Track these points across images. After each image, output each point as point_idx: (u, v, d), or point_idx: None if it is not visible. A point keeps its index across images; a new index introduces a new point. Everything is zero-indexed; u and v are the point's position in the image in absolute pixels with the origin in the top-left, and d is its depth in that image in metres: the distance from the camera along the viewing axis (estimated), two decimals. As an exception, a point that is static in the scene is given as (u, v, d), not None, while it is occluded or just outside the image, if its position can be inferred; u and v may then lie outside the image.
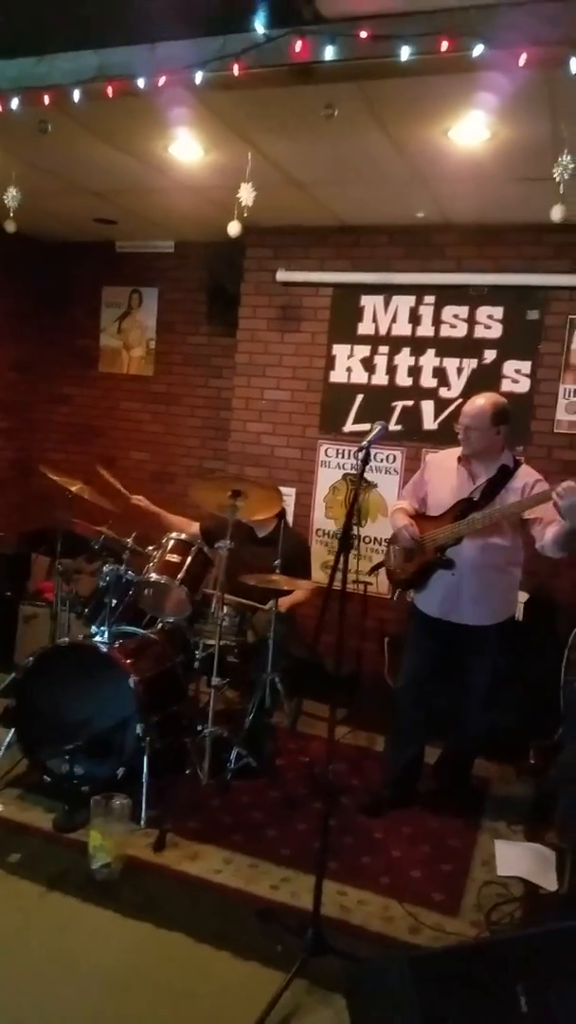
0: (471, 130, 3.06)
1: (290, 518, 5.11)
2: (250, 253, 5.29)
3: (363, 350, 5.08)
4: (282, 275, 5.19)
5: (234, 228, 3.53)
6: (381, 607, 4.81)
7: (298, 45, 2.19)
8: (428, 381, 4.92)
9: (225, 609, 3.80)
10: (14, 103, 2.66)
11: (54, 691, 3.44)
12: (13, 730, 3.50)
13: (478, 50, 2.06)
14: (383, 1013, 1.99)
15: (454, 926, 2.80)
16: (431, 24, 2.06)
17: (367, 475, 5.06)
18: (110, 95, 2.51)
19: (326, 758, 2.59)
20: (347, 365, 5.13)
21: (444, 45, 2.06)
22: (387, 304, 4.99)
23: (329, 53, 2.17)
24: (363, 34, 2.11)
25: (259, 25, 2.21)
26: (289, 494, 5.21)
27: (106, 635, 3.57)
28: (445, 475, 3.54)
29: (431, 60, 2.11)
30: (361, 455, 2.62)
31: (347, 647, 4.72)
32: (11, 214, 4.02)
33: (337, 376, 5.16)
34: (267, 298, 5.31)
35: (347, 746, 4.25)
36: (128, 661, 3.44)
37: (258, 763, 3.73)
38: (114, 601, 3.66)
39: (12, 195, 3.95)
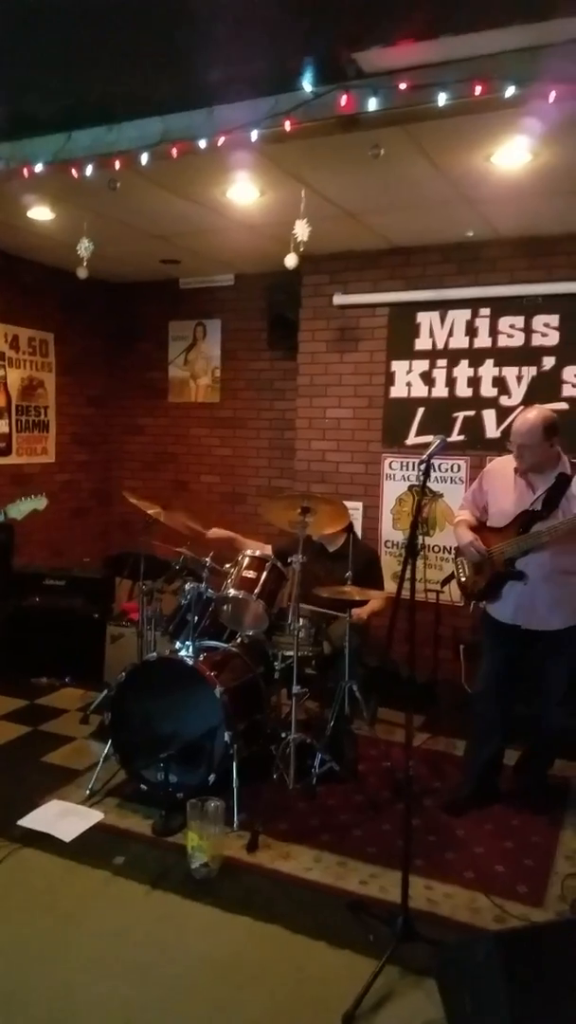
0: (513, 154, 3.21)
1: (359, 531, 5.25)
2: (307, 280, 5.52)
3: (422, 365, 5.22)
4: (339, 299, 5.39)
5: (291, 260, 3.73)
6: (454, 615, 4.91)
7: (343, 99, 2.39)
8: (488, 391, 5.03)
9: (301, 621, 3.96)
10: (88, 169, 2.95)
11: (145, 705, 3.67)
12: (110, 743, 3.75)
13: (510, 91, 2.22)
14: (472, 990, 2.11)
15: (539, 916, 2.89)
16: (465, 70, 2.22)
17: (433, 485, 5.20)
18: (175, 156, 2.76)
19: (405, 756, 2.72)
20: (407, 380, 5.28)
21: (478, 89, 2.22)
22: (443, 319, 5.13)
23: (372, 104, 2.36)
24: (403, 85, 2.29)
25: (307, 84, 2.42)
26: (356, 508, 5.36)
27: (191, 649, 3.78)
28: (504, 485, 3.61)
29: (467, 103, 2.28)
30: (423, 468, 2.75)
31: (423, 655, 4.86)
32: (84, 262, 4.35)
33: (397, 391, 5.32)
34: (325, 321, 5.52)
35: (427, 751, 4.36)
36: (213, 673, 3.64)
37: (341, 768, 3.88)
38: (196, 617, 3.87)
39: (85, 245, 4.28)
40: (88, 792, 3.69)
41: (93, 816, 3.51)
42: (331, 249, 5.23)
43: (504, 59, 2.14)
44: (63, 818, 3.47)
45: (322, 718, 4.25)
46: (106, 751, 3.78)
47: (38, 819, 3.46)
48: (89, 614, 5.40)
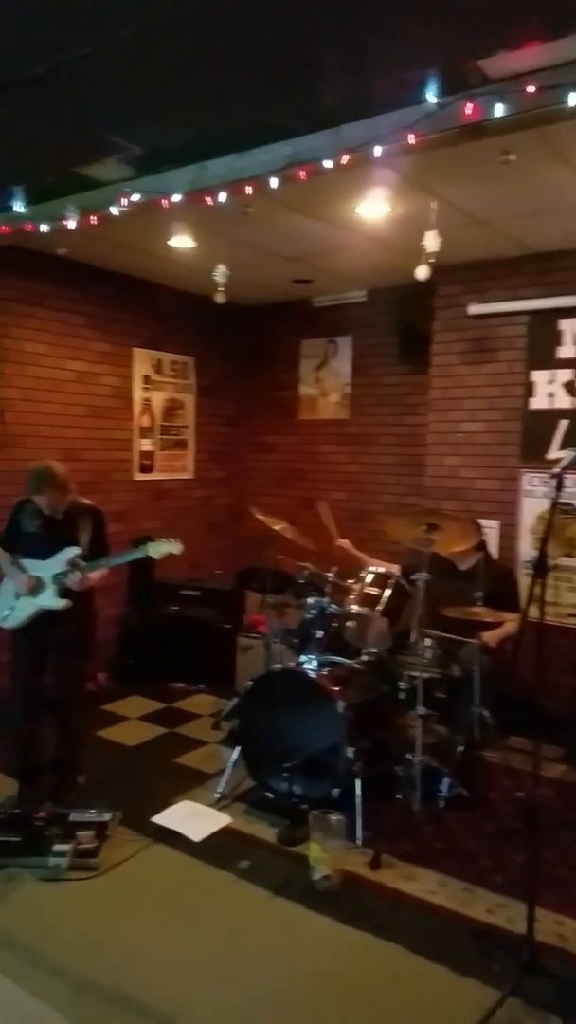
0: None
1: (494, 551, 5.10)
2: (440, 291, 5.45)
3: (565, 374, 4.99)
4: (474, 308, 5.28)
5: (422, 272, 3.71)
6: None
7: (468, 108, 2.37)
8: None
9: (427, 641, 3.89)
10: (221, 196, 3.09)
11: (271, 715, 3.74)
12: (238, 749, 3.84)
13: None
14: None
15: None
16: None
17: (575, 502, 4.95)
18: (302, 178, 2.84)
19: (532, 783, 2.61)
20: (548, 391, 5.06)
21: (611, 85, 2.15)
22: (588, 325, 4.90)
23: (499, 110, 2.33)
24: (530, 88, 2.25)
25: (431, 96, 2.42)
26: (491, 527, 5.19)
27: (314, 663, 3.81)
28: None
29: (598, 100, 2.21)
30: (555, 483, 2.65)
31: (564, 683, 4.62)
32: (220, 288, 4.53)
33: (538, 403, 5.11)
34: (459, 333, 5.42)
35: (566, 783, 4.15)
36: (336, 688, 3.66)
37: (470, 794, 3.77)
38: (320, 632, 3.90)
39: (221, 271, 4.46)
40: (217, 796, 3.80)
41: (222, 819, 3.61)
42: (466, 258, 5.15)
43: None
44: (193, 819, 3.60)
45: (452, 742, 4.16)
46: (234, 757, 3.87)
47: (170, 817, 3.60)
48: (221, 624, 5.57)
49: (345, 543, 4.59)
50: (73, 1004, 2.44)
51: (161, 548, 3.52)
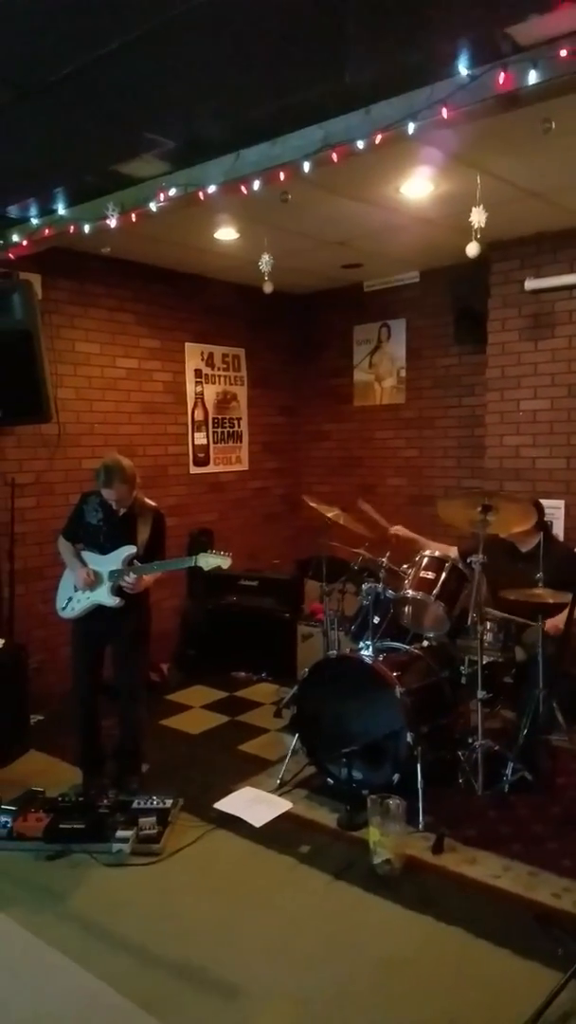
0: None
1: (560, 532, 4.98)
2: (495, 268, 5.33)
3: (632, 345, 4.83)
4: (531, 283, 5.14)
5: (473, 249, 3.62)
6: None
7: (501, 77, 2.30)
8: None
9: (488, 625, 3.83)
10: (256, 184, 3.09)
11: (330, 702, 3.75)
12: (297, 736, 3.87)
13: None
14: None
15: None
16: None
17: None
18: (335, 160, 2.81)
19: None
20: (615, 363, 4.91)
21: None
22: None
23: (532, 77, 2.26)
24: (563, 52, 2.17)
25: (462, 68, 2.36)
26: (557, 506, 5.07)
27: (371, 649, 3.80)
28: None
29: None
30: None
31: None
32: (266, 277, 4.53)
33: (601, 376, 4.96)
34: (516, 309, 5.30)
35: None
36: (394, 674, 3.64)
37: (535, 778, 3.70)
38: (376, 618, 3.89)
39: (266, 260, 4.46)
40: (278, 782, 3.84)
41: (282, 805, 3.65)
42: (520, 233, 5.03)
43: None
44: (254, 804, 3.64)
45: (519, 727, 4.09)
46: (294, 744, 3.90)
47: (232, 803, 3.66)
48: (280, 613, 5.61)
49: (399, 529, 4.54)
50: (138, 985, 2.50)
51: (211, 561, 3.57)
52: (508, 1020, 2.27)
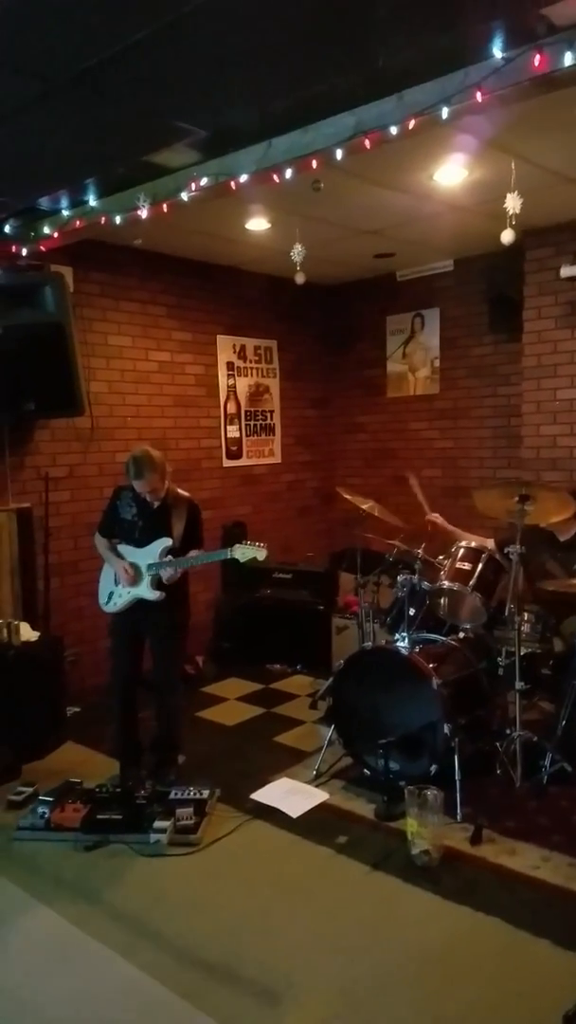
0: None
1: (598, 520, 4.89)
2: (530, 255, 5.26)
3: None
4: (567, 270, 5.07)
5: (507, 236, 3.58)
6: None
7: (536, 59, 2.26)
8: None
9: (526, 615, 3.80)
10: (288, 172, 3.07)
11: (366, 693, 3.74)
12: (333, 727, 3.87)
13: None
14: None
15: None
16: None
17: None
18: (368, 147, 2.79)
19: None
20: None
21: None
22: None
23: (568, 59, 2.21)
24: (600, 32, 2.14)
25: (497, 51, 2.33)
26: (598, 495, 4.99)
27: (407, 641, 3.78)
28: None
29: None
30: None
31: None
32: (298, 267, 4.52)
33: None
34: (552, 296, 5.22)
35: None
36: (431, 665, 3.61)
37: (574, 769, 3.66)
38: (412, 610, 3.87)
39: (298, 250, 4.44)
40: (315, 773, 3.84)
41: (319, 796, 3.65)
42: (556, 219, 4.95)
43: None
44: (291, 795, 3.65)
45: (556, 717, 4.05)
46: (330, 735, 3.90)
47: (268, 794, 3.66)
48: (315, 606, 5.61)
49: (436, 517, 4.51)
50: (177, 975, 2.52)
51: (247, 552, 3.56)
52: (549, 1011, 2.24)
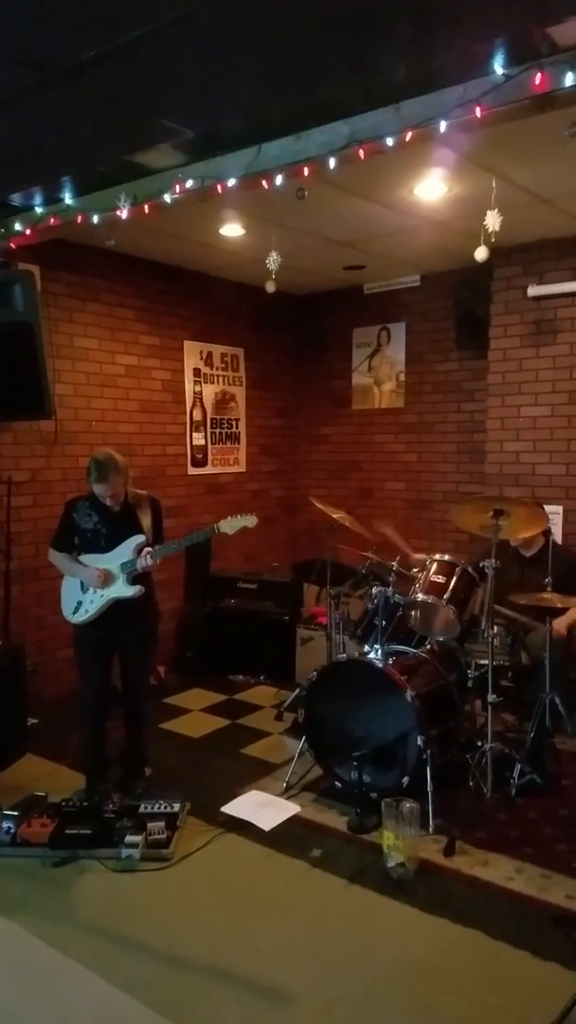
0: None
1: (558, 538, 4.99)
2: (498, 274, 5.36)
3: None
4: (533, 290, 5.18)
5: (481, 253, 3.64)
6: None
7: (537, 78, 2.29)
8: None
9: (496, 629, 3.83)
10: (278, 179, 3.05)
11: (337, 705, 3.71)
12: (304, 739, 3.83)
13: None
14: None
15: None
16: None
17: None
18: (362, 157, 2.79)
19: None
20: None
21: None
22: None
23: (570, 79, 2.25)
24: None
25: (498, 67, 2.35)
26: (556, 512, 5.09)
27: (379, 653, 3.77)
28: None
29: None
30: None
31: None
32: (272, 276, 4.50)
33: (602, 384, 4.99)
34: (518, 315, 5.32)
35: None
36: (404, 677, 3.61)
37: (543, 781, 3.70)
38: (383, 622, 3.86)
39: (274, 258, 4.43)
40: (285, 785, 3.80)
41: (291, 808, 3.60)
42: (524, 239, 5.06)
43: None
44: (262, 808, 3.59)
45: (520, 730, 4.09)
46: (300, 747, 3.86)
47: (240, 807, 3.60)
48: (279, 616, 5.57)
49: (385, 529, 4.49)
50: (154, 991, 2.44)
51: (235, 524, 3.45)
52: (535, 1022, 2.24)
